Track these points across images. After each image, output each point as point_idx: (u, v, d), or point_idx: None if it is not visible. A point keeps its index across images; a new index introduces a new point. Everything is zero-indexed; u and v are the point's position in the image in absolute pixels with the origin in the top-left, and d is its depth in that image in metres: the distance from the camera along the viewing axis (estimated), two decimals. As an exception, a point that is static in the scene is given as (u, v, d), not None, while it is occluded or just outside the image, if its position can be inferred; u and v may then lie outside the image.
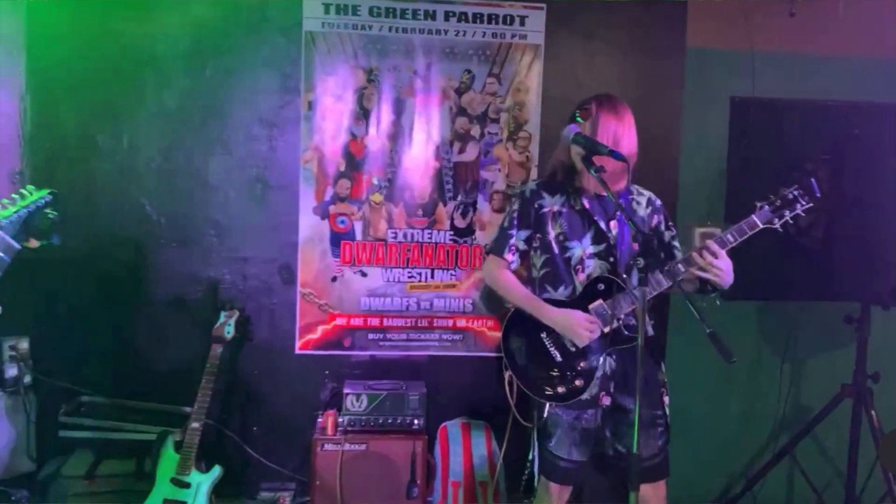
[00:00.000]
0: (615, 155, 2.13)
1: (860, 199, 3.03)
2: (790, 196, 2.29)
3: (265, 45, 3.34)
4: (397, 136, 3.42)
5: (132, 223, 3.33)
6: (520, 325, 2.46)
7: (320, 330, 3.45)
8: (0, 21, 3.18)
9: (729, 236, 2.31)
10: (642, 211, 2.52)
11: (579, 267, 2.41)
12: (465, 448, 3.37)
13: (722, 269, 2.27)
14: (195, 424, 2.88)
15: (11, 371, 3.17)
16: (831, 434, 3.56)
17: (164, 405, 3.30)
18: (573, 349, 2.39)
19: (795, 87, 3.52)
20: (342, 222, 3.43)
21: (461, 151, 3.46)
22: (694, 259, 2.28)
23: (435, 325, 3.51)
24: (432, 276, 3.50)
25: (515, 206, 2.51)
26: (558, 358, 2.41)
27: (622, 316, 2.38)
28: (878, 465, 3.11)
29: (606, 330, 2.37)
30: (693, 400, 3.68)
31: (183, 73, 3.32)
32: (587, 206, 2.43)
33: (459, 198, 3.48)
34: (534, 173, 3.48)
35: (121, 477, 3.06)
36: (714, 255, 2.26)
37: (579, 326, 2.33)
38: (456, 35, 3.41)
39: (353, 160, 3.41)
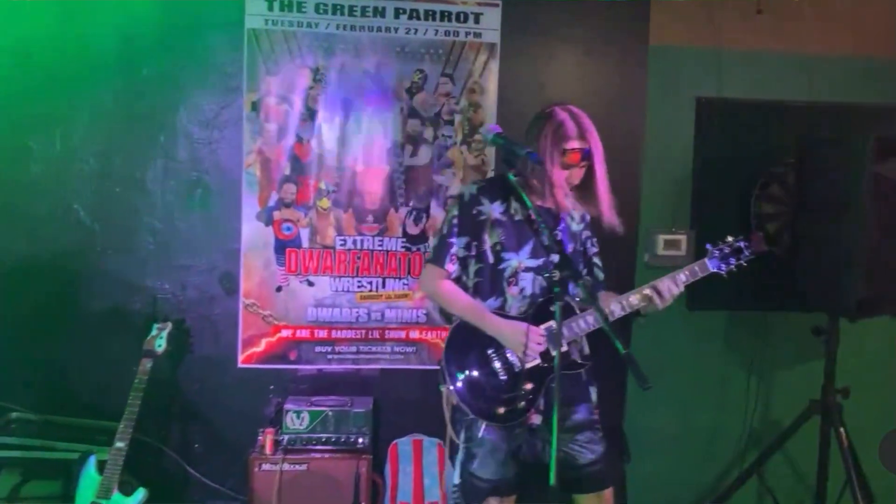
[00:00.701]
0: (532, 157, 1.98)
1: (826, 203, 2.87)
2: (737, 245, 2.34)
3: (205, 44, 3.17)
4: (346, 138, 3.26)
5: (65, 230, 3.16)
6: (463, 337, 2.30)
7: (264, 343, 3.28)
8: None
9: (682, 276, 2.32)
10: (575, 226, 2.42)
11: (513, 280, 2.28)
12: (417, 467, 3.20)
13: (666, 303, 2.30)
14: (119, 444, 2.71)
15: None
16: (801, 450, 3.40)
17: (99, 422, 3.12)
18: (520, 368, 2.25)
19: (763, 87, 3.38)
20: (287, 229, 3.26)
21: (413, 155, 3.30)
22: (662, 293, 2.28)
23: (387, 336, 3.34)
24: (384, 286, 3.33)
25: (454, 212, 2.37)
26: (502, 376, 2.26)
27: (569, 338, 2.28)
28: (849, 487, 2.95)
29: (553, 352, 2.23)
30: (658, 415, 3.53)
31: (118, 75, 3.15)
32: (531, 216, 2.30)
33: (412, 203, 3.31)
34: (489, 177, 3.32)
35: (45, 499, 2.88)
36: (675, 289, 2.30)
37: (529, 340, 2.19)
38: (407, 33, 3.26)
39: (300, 164, 3.25)
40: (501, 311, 2.29)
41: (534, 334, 2.19)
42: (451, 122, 3.30)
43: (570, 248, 2.35)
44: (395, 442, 3.28)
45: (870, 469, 3.10)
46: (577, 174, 2.26)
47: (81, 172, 3.16)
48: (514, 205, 2.31)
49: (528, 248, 2.30)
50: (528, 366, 2.24)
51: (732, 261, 2.33)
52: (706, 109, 3.42)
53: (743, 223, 3.44)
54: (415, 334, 3.36)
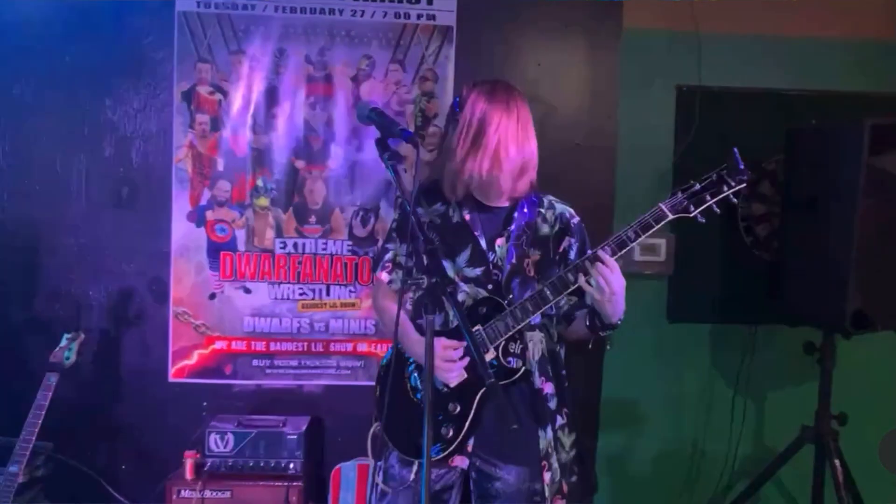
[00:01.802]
0: (405, 135, 1.67)
1: (815, 200, 2.51)
2: (713, 177, 1.81)
3: (132, 28, 2.90)
4: (286, 131, 2.97)
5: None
6: (395, 361, 2.00)
7: (196, 355, 2.99)
8: None
9: (630, 232, 1.82)
10: (546, 228, 2.04)
11: (451, 290, 1.95)
12: (360, 494, 2.89)
13: (611, 286, 1.78)
14: (13, 468, 2.43)
15: None
16: (796, 478, 3.03)
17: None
18: (444, 388, 1.93)
19: (747, 74, 3.03)
20: (221, 230, 2.98)
21: (360, 149, 3.01)
22: (586, 267, 1.83)
23: (332, 350, 3.03)
24: (328, 293, 3.03)
25: (395, 215, 2.14)
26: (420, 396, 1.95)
27: (500, 343, 1.92)
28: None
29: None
30: (638, 439, 3.18)
31: (37, 61, 2.90)
32: (467, 218, 1.99)
33: (359, 203, 3.01)
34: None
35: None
36: (602, 262, 1.79)
37: (437, 355, 1.85)
38: (353, 15, 2.96)
39: (234, 158, 2.96)
40: (445, 328, 1.98)
41: (440, 347, 1.86)
42: (401, 114, 3.00)
43: (512, 258, 1.99)
44: (338, 466, 2.96)
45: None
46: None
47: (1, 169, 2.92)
48: (454, 206, 2.01)
49: (465, 255, 1.98)
50: (453, 384, 1.93)
51: (709, 196, 1.81)
52: (687, 98, 3.08)
53: (732, 224, 3.10)
54: (363, 347, 3.05)
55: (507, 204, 2.02)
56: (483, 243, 1.98)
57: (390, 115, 1.75)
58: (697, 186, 1.82)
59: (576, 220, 2.07)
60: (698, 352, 3.20)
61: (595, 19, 3.03)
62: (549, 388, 2.00)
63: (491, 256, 1.98)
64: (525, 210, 2.01)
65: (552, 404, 2.00)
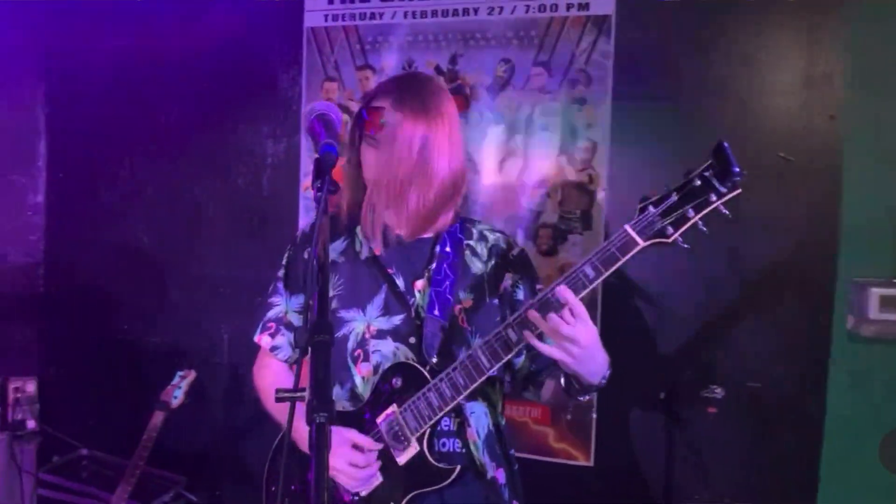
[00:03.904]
0: (323, 149, 1.14)
1: None
2: (695, 182, 1.28)
3: (263, 49, 2.77)
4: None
5: (133, 259, 2.97)
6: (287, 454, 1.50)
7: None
8: None
9: (588, 269, 1.31)
10: (478, 265, 1.55)
11: (359, 353, 1.47)
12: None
13: (575, 338, 1.28)
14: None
15: (17, 414, 2.98)
16: None
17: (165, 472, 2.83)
18: (354, 498, 1.43)
19: None
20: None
21: (499, 171, 2.53)
22: (532, 318, 1.32)
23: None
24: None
25: (283, 261, 1.63)
26: None
27: (425, 432, 1.41)
28: None
29: (401, 460, 1.40)
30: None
31: (179, 86, 2.88)
32: (378, 252, 1.51)
33: (494, 234, 2.53)
34: (599, 200, 2.41)
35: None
36: (561, 307, 1.29)
37: (336, 464, 1.37)
38: (489, 13, 2.51)
39: (360, 185, 2.67)
40: (355, 408, 1.47)
41: (346, 445, 1.38)
42: (545, 127, 2.47)
43: (438, 306, 1.46)
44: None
45: None
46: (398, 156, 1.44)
47: (146, 197, 2.95)
48: (361, 238, 1.53)
49: (378, 301, 1.48)
50: (364, 493, 1.43)
51: (692, 211, 1.27)
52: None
53: None
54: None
55: (429, 235, 1.53)
56: (401, 283, 1.50)
57: (336, 124, 1.27)
58: (674, 197, 1.29)
59: (516, 250, 1.61)
60: None
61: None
62: (500, 475, 1.51)
63: (412, 300, 1.47)
64: (447, 244, 1.50)
65: (506, 496, 1.48)
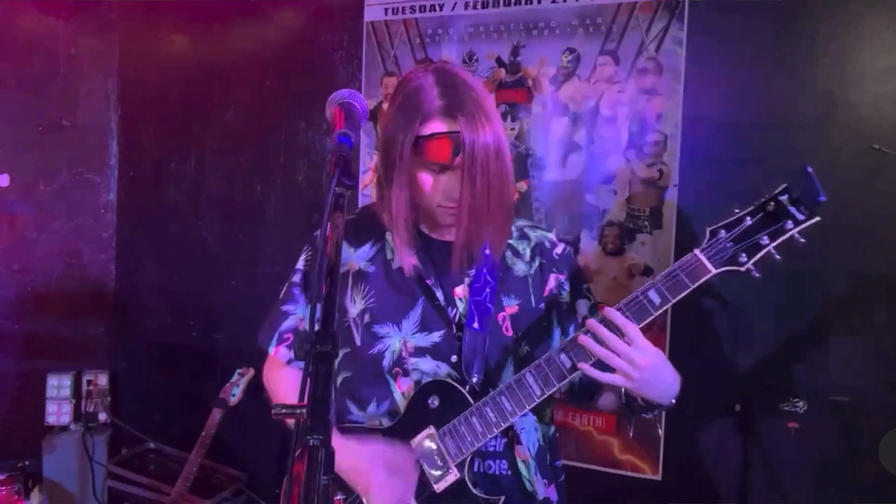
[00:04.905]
0: (337, 139, 1.02)
1: None
2: (770, 206, 1.21)
3: (324, 44, 2.73)
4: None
5: (195, 255, 3.00)
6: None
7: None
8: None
9: (653, 295, 1.24)
10: (521, 266, 1.42)
11: (398, 371, 1.35)
12: None
13: (635, 362, 1.19)
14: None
15: (89, 407, 3.07)
16: None
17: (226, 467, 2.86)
18: None
19: None
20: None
21: (563, 165, 2.41)
22: (583, 343, 1.23)
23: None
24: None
25: (299, 264, 1.49)
26: None
27: (467, 456, 1.30)
28: None
29: (439, 487, 1.28)
30: None
31: (245, 88, 2.89)
32: (413, 261, 1.36)
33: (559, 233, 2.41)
34: (671, 196, 2.26)
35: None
36: (617, 332, 1.20)
37: (371, 488, 1.28)
38: (553, 2, 2.39)
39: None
40: (394, 423, 1.36)
41: (379, 463, 1.27)
42: (612, 119, 2.34)
43: (477, 318, 1.33)
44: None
45: None
46: (454, 181, 1.26)
47: (210, 196, 2.97)
48: (392, 244, 1.38)
49: (414, 316, 1.36)
50: None
51: (766, 240, 1.21)
52: None
53: None
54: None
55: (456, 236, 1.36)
56: (440, 296, 1.35)
57: (359, 113, 1.16)
58: (748, 222, 1.22)
59: (559, 248, 1.47)
60: None
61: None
62: (553, 493, 1.40)
63: (452, 313, 1.35)
64: (486, 245, 1.37)
65: None
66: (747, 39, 2.15)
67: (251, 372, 2.58)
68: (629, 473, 2.29)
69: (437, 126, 1.24)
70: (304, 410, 0.76)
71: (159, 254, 3.06)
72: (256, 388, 2.64)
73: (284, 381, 1.47)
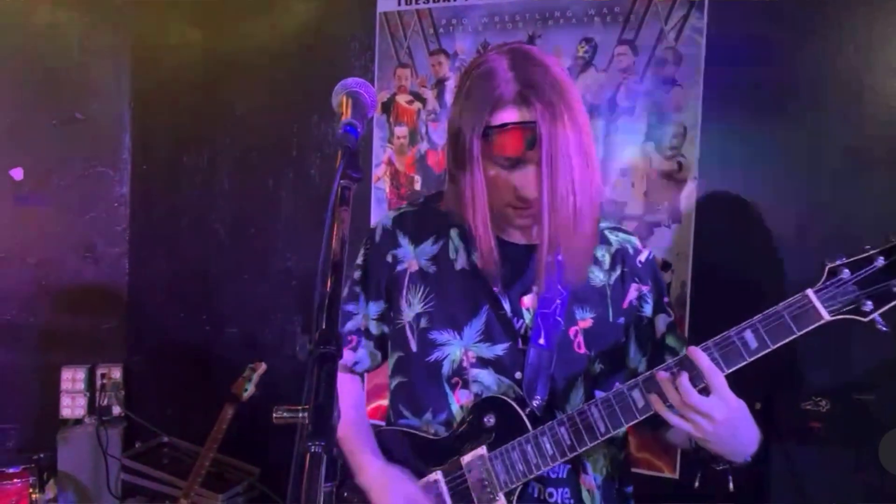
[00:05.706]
0: (345, 130, 1.00)
1: None
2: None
3: (337, 36, 2.70)
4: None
5: (206, 249, 2.99)
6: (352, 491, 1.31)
7: (389, 396, 2.67)
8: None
9: (749, 337, 1.10)
10: (599, 275, 1.27)
11: (458, 381, 1.26)
12: None
13: (712, 416, 1.07)
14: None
15: (103, 400, 3.07)
16: None
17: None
18: None
19: None
20: (417, 258, 2.61)
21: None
22: (660, 382, 1.11)
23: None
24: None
25: (359, 260, 1.41)
26: None
27: (517, 486, 1.21)
28: None
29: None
30: None
31: (259, 80, 2.86)
32: (479, 263, 1.26)
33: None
34: (689, 190, 2.21)
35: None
36: (690, 388, 1.08)
37: None
38: (569, -11, 2.35)
39: (432, 176, 2.57)
40: (454, 436, 1.27)
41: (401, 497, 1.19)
42: (630, 110, 2.29)
43: (543, 333, 1.23)
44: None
45: None
46: (529, 178, 1.15)
47: (222, 189, 2.95)
48: (457, 243, 1.29)
49: (477, 324, 1.26)
50: None
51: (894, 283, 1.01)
52: None
53: None
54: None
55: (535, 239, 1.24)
56: (507, 306, 1.25)
57: (366, 102, 1.11)
58: (880, 261, 1.02)
59: (643, 255, 1.32)
60: None
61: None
62: None
63: (519, 325, 1.24)
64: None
65: None
66: (769, 28, 2.09)
67: (263, 366, 2.56)
68: (646, 472, 2.25)
69: (510, 115, 1.13)
70: (306, 414, 0.73)
71: (172, 247, 3.05)
72: (268, 383, 2.63)
73: (341, 388, 1.44)
